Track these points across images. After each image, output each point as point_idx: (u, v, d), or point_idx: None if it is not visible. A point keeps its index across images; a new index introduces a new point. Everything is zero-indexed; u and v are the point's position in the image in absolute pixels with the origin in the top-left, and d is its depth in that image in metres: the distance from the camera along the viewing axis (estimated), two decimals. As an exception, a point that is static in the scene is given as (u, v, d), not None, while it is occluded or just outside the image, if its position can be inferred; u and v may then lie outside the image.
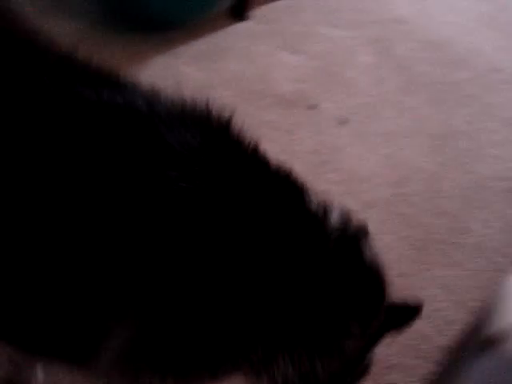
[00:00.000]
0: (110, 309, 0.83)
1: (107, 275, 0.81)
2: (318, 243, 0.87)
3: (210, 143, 0.89)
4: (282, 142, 1.86)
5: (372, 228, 0.96)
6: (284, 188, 0.91)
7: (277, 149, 1.79)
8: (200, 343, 0.85)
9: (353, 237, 0.91)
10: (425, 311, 1.01)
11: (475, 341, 1.02)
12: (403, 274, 1.55)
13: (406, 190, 1.84)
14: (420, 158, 1.98)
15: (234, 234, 0.83)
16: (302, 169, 1.76)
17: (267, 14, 2.46)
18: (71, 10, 2.20)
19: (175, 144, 0.86)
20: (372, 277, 0.92)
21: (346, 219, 0.92)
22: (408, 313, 0.97)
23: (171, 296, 0.82)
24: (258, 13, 2.44)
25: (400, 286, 1.01)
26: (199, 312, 0.83)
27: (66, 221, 0.81)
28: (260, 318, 0.85)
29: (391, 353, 1.36)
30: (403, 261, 1.61)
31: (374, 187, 1.81)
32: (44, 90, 0.86)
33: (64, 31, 2.00)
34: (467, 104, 2.29)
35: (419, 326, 1.06)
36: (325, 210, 0.90)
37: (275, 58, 2.22)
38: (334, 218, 0.90)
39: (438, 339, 1.44)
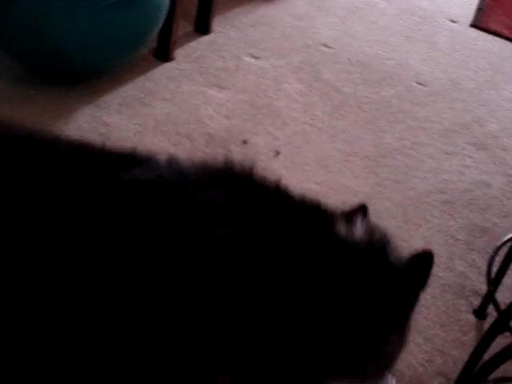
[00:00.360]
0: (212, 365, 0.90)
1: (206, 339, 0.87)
2: (351, 260, 0.95)
3: (240, 195, 0.97)
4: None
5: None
6: (313, 217, 0.99)
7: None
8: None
9: (379, 245, 0.99)
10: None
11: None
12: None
13: (345, 216, 1.84)
14: (356, 181, 1.99)
15: (294, 273, 0.91)
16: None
17: (191, 52, 2.45)
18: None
19: (214, 203, 0.92)
20: (401, 276, 0.99)
21: (369, 231, 1.01)
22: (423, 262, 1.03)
23: (257, 341, 0.89)
24: (182, 52, 2.43)
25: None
26: (285, 352, 0.90)
27: (149, 294, 0.85)
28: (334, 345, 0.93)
29: None
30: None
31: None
32: (81, 182, 0.92)
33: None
34: (398, 120, 2.33)
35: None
36: (350, 229, 0.99)
37: (203, 96, 2.20)
38: (360, 233, 0.99)
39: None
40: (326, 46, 2.76)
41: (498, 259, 1.64)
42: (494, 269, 1.64)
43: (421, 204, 1.96)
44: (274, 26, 2.81)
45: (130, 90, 2.15)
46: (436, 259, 1.72)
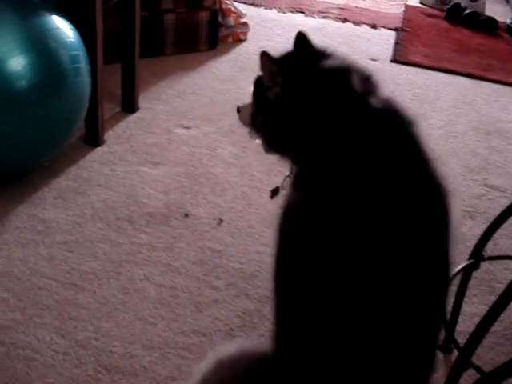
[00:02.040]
0: None
1: None
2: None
3: None
4: (163, 261, 1.81)
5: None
6: None
7: (157, 270, 1.76)
8: None
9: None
10: None
11: None
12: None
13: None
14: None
15: None
16: (187, 283, 1.74)
17: (121, 132, 2.45)
18: None
19: None
20: None
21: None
22: None
23: None
24: (112, 133, 2.42)
25: None
26: None
27: None
28: None
29: None
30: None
31: (264, 281, 1.78)
32: None
33: None
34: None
35: None
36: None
37: (138, 175, 2.19)
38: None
39: None
40: (253, 104, 2.79)
41: (454, 289, 1.64)
42: (452, 300, 1.64)
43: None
44: (201, 94, 2.84)
45: (64, 181, 2.12)
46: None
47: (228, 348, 1.14)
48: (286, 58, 1.37)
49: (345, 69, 1.19)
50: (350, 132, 1.08)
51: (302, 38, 1.41)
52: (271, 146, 1.33)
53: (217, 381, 1.11)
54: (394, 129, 1.12)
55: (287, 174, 1.30)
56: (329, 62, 1.23)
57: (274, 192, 1.44)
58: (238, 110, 1.48)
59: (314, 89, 1.18)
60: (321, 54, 1.30)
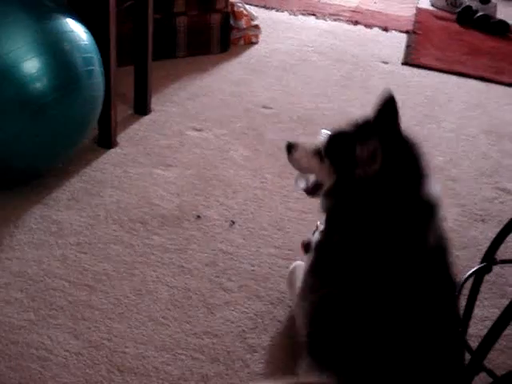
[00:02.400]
0: None
1: None
2: None
3: None
4: (175, 263, 1.82)
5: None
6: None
7: (170, 272, 1.77)
8: None
9: None
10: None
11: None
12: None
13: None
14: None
15: None
16: (199, 284, 1.75)
17: (133, 134, 2.46)
18: None
19: None
20: None
21: None
22: None
23: None
24: (125, 136, 2.44)
25: None
26: None
27: None
28: None
29: None
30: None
31: (276, 284, 1.79)
32: None
33: None
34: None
35: None
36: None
37: (151, 177, 2.21)
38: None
39: None
40: (265, 107, 2.81)
41: (466, 292, 1.64)
42: (464, 303, 1.64)
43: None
44: (213, 96, 2.86)
45: (77, 182, 2.14)
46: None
47: None
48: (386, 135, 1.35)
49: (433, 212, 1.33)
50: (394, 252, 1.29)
51: (389, 103, 1.36)
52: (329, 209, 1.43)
53: None
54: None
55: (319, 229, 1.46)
56: (427, 192, 1.32)
57: (306, 248, 1.56)
58: (291, 148, 1.50)
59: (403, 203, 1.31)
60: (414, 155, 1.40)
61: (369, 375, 1.22)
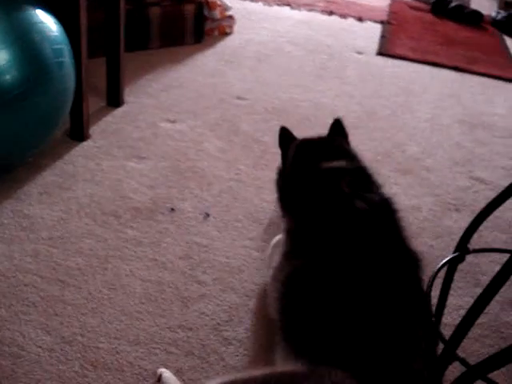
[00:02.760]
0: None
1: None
2: None
3: None
4: (148, 256, 1.81)
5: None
6: None
7: (143, 266, 1.75)
8: None
9: None
10: None
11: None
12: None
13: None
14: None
15: None
16: (173, 278, 1.73)
17: (106, 127, 2.43)
18: None
19: None
20: None
21: None
22: None
23: None
24: (97, 128, 2.41)
25: None
26: None
27: None
28: None
29: None
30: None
31: (251, 276, 1.78)
32: None
33: None
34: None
35: None
36: None
37: (124, 170, 2.18)
38: None
39: None
40: (240, 98, 2.79)
41: (440, 281, 1.65)
42: (437, 292, 1.65)
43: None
44: (187, 87, 2.83)
45: (49, 176, 2.11)
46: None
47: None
48: (303, 145, 1.76)
49: (342, 171, 1.58)
50: (336, 223, 1.47)
51: (337, 125, 1.84)
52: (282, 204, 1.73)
53: None
54: (370, 218, 1.47)
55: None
56: (331, 164, 1.60)
57: None
58: None
59: (309, 185, 1.58)
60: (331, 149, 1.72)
61: (339, 357, 1.22)
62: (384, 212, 1.53)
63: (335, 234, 1.45)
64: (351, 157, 1.69)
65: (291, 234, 1.58)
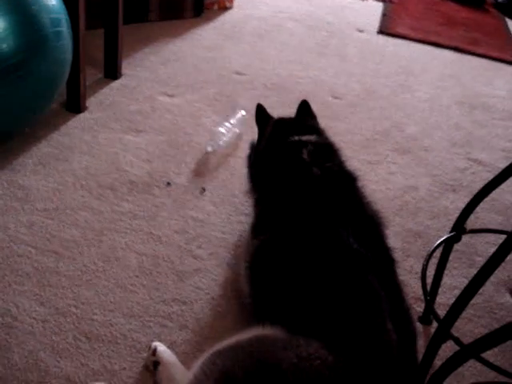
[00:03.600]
0: None
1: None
2: None
3: None
4: (144, 230, 1.80)
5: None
6: None
7: (139, 239, 1.75)
8: None
9: None
10: None
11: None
12: None
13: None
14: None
15: None
16: (169, 252, 1.73)
17: (103, 99, 2.41)
18: None
19: None
20: None
21: None
22: None
23: None
24: (94, 100, 2.39)
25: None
26: None
27: None
28: None
29: None
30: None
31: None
32: None
33: None
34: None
35: None
36: None
37: (121, 143, 2.16)
38: None
39: None
40: (239, 73, 2.77)
41: (435, 261, 1.65)
42: (433, 272, 1.65)
43: (352, 218, 1.97)
44: (185, 61, 2.81)
45: (45, 147, 2.09)
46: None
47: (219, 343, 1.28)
48: (278, 122, 1.85)
49: (307, 144, 1.67)
50: (293, 190, 1.57)
51: (304, 106, 1.90)
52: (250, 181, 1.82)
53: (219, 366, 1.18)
54: (328, 188, 1.56)
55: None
56: (295, 137, 1.71)
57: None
58: None
59: (277, 156, 1.70)
60: (302, 127, 1.79)
61: (309, 327, 1.25)
62: (341, 179, 1.62)
63: (294, 199, 1.54)
64: (319, 133, 1.79)
65: (257, 206, 1.68)
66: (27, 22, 1.85)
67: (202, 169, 2.10)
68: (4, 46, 1.79)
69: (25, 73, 1.85)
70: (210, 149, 2.15)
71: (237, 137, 2.27)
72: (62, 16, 1.98)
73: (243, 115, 2.33)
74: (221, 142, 2.17)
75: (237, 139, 2.27)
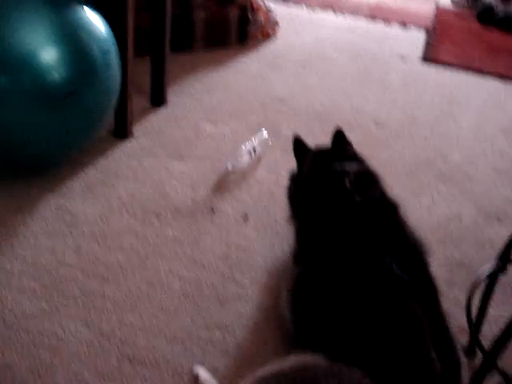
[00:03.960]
0: None
1: None
2: None
3: None
4: (187, 255, 1.82)
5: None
6: None
7: (182, 264, 1.77)
8: None
9: None
10: None
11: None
12: None
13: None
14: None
15: None
16: (212, 277, 1.74)
17: (149, 126, 2.47)
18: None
19: None
20: None
21: None
22: None
23: None
24: (140, 127, 2.44)
25: None
26: None
27: None
28: None
29: None
30: None
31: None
32: None
33: None
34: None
35: None
36: None
37: (166, 169, 2.21)
38: None
39: None
40: (282, 102, 2.80)
41: (480, 291, 1.63)
42: (477, 303, 1.62)
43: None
44: (230, 89, 2.85)
45: (92, 173, 2.14)
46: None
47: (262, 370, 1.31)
48: (317, 152, 1.85)
49: (344, 172, 1.68)
50: (336, 217, 1.59)
51: (339, 135, 1.85)
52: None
53: None
54: (371, 215, 1.57)
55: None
56: (337, 166, 1.72)
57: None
58: None
59: (318, 186, 1.71)
60: (341, 156, 1.79)
61: (351, 356, 1.25)
62: (383, 207, 1.64)
63: (337, 227, 1.57)
64: (360, 161, 1.80)
65: (299, 234, 1.71)
66: (78, 52, 1.91)
67: (246, 196, 2.12)
68: (56, 75, 1.85)
69: (75, 101, 1.91)
70: (230, 167, 2.19)
71: (257, 157, 2.30)
72: (112, 46, 2.04)
73: (265, 138, 2.36)
74: (241, 161, 2.21)
75: (257, 159, 2.31)
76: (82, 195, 2.03)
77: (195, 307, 1.65)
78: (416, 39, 3.85)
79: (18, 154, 1.98)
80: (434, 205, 2.21)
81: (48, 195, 2.02)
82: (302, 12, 4.04)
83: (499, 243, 1.78)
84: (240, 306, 1.67)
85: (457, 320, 1.70)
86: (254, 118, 2.61)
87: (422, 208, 2.18)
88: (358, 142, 1.94)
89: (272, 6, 3.58)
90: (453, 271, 1.89)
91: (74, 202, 1.99)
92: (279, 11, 3.69)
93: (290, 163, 2.29)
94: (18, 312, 1.58)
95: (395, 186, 2.24)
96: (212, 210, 2.02)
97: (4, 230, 1.85)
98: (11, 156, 2.00)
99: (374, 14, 4.15)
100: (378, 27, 3.97)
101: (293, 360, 1.28)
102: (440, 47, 3.76)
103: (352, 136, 1.92)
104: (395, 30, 3.97)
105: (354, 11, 4.17)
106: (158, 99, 2.62)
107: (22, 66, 1.81)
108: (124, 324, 1.58)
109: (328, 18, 4.01)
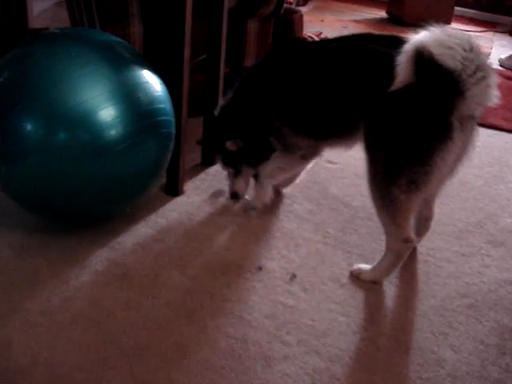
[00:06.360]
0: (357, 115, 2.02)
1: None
2: None
3: None
4: (235, 313, 1.83)
5: None
6: None
7: (229, 322, 1.77)
8: None
9: None
10: None
11: None
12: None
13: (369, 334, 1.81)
14: (376, 296, 1.97)
15: None
16: (258, 336, 1.74)
17: (200, 183, 2.52)
18: (9, 221, 2.19)
19: None
20: None
21: None
22: None
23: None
24: (191, 184, 2.50)
25: None
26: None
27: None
28: None
29: None
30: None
31: (335, 340, 1.77)
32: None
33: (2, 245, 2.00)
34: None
35: None
36: None
37: (215, 225, 2.24)
38: None
39: None
40: (330, 162, 2.82)
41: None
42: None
43: (445, 311, 1.93)
44: (278, 148, 2.89)
45: (143, 228, 2.19)
46: (467, 368, 1.68)
47: None
48: None
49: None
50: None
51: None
52: None
53: None
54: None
55: None
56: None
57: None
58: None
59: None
60: None
61: None
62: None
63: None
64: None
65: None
66: (135, 111, 1.98)
67: (293, 255, 2.13)
68: (113, 132, 1.92)
69: (130, 158, 1.97)
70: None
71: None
72: (167, 105, 2.11)
73: None
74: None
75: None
76: (133, 250, 2.07)
77: (241, 366, 1.64)
78: (465, 102, 3.85)
79: (72, 206, 2.04)
80: (484, 269, 2.17)
81: (100, 249, 2.06)
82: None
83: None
84: (286, 367, 1.65)
85: (509, 389, 1.65)
86: (302, 177, 2.64)
87: (473, 272, 2.14)
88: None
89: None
90: (504, 338, 1.85)
91: (125, 257, 2.03)
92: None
93: (338, 223, 2.31)
94: (63, 365, 1.60)
95: (445, 249, 2.24)
96: (259, 269, 2.03)
97: (56, 281, 1.89)
98: (66, 208, 2.05)
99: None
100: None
101: None
102: (488, 110, 3.72)
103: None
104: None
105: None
106: (209, 158, 2.67)
107: (80, 123, 1.87)
108: (170, 380, 1.58)
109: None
